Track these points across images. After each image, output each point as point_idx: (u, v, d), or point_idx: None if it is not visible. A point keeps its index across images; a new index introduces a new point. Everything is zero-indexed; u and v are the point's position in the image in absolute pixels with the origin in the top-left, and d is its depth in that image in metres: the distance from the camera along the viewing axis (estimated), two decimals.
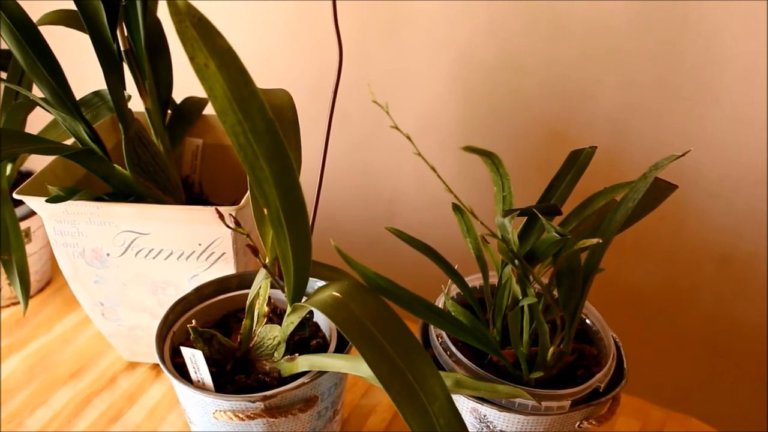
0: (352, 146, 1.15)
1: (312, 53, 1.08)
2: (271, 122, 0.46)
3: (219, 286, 0.69)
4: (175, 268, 0.71)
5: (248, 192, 0.68)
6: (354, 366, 0.57)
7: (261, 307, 0.62)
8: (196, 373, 0.59)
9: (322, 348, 0.65)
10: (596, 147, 0.58)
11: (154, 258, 0.70)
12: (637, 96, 0.97)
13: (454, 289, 0.67)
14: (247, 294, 0.69)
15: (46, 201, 0.64)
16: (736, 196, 0.97)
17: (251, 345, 0.64)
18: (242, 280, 0.70)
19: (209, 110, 0.83)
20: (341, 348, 0.64)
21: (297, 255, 0.52)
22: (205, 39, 0.44)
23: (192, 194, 0.83)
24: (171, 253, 0.70)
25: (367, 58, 1.06)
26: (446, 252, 0.61)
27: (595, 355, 0.63)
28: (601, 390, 0.59)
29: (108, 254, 0.70)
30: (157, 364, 0.82)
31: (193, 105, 0.83)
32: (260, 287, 0.61)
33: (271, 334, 0.62)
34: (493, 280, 0.63)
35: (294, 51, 1.09)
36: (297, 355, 0.60)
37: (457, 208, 0.59)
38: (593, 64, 0.97)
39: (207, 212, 0.66)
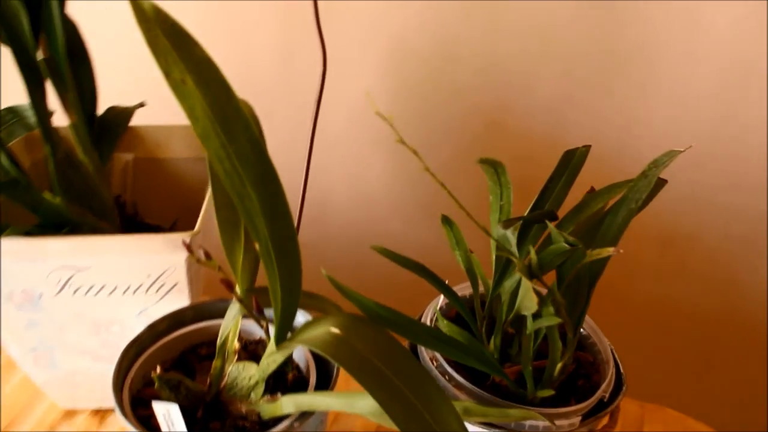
0: (277, 147, 1.08)
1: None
2: (257, 143, 0.40)
3: (173, 321, 0.62)
4: (121, 304, 0.63)
5: (201, 214, 0.61)
6: (349, 404, 0.51)
7: (231, 344, 0.56)
8: (170, 428, 0.52)
9: (300, 382, 0.59)
10: (590, 146, 0.54)
11: (95, 295, 0.62)
12: (574, 87, 0.95)
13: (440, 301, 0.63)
14: (207, 327, 0.63)
15: None
16: (673, 180, 0.97)
17: (222, 386, 0.57)
18: (198, 311, 0.63)
19: (136, 120, 0.74)
20: (322, 380, 0.58)
21: (286, 288, 0.46)
22: (180, 49, 0.37)
23: (125, 216, 0.74)
24: (115, 288, 0.62)
25: (292, 52, 1.00)
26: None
27: (591, 362, 0.60)
28: (605, 400, 0.56)
29: (41, 295, 0.61)
30: (100, 411, 0.74)
31: (118, 116, 0.74)
32: (229, 321, 0.54)
33: (247, 374, 0.55)
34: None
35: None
36: (279, 395, 0.54)
37: (446, 221, 0.54)
38: (530, 54, 0.94)
39: (157, 240, 0.58)
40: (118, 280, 0.61)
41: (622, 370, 0.59)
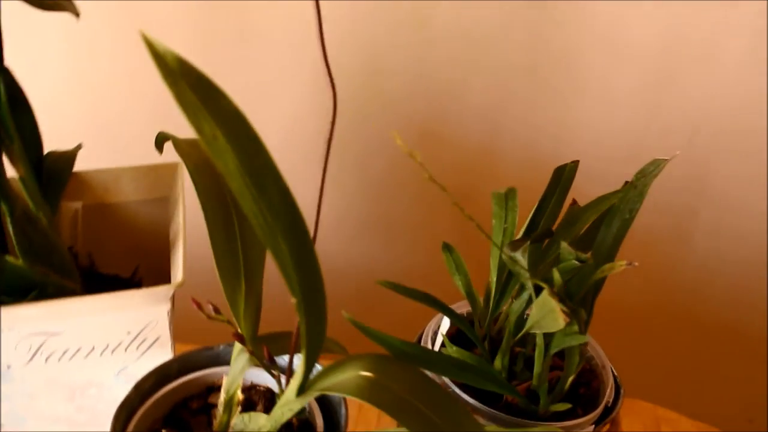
0: None
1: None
2: (286, 194, 0.38)
3: (159, 376, 0.58)
4: (98, 366, 0.59)
5: (181, 263, 0.58)
6: None
7: (235, 395, 0.53)
8: None
9: (306, 426, 0.57)
10: (578, 161, 0.55)
11: (70, 359, 0.58)
12: (505, 95, 0.97)
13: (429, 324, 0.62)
14: (195, 379, 0.60)
15: None
16: (607, 175, 1.01)
17: None
18: (183, 363, 0.59)
19: (78, 165, 0.70)
20: (329, 423, 0.56)
21: (312, 336, 0.44)
22: (208, 103, 0.35)
23: (81, 268, 0.69)
24: (92, 350, 0.58)
25: (216, 75, 0.96)
26: None
27: (587, 369, 0.61)
28: (609, 405, 0.57)
29: (9, 366, 0.56)
30: None
31: (59, 161, 0.69)
32: (237, 373, 0.52)
33: (255, 426, 0.53)
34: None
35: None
36: None
37: (446, 248, 0.54)
38: (459, 63, 0.95)
39: (139, 296, 0.55)
40: (95, 340, 0.57)
41: (616, 374, 0.60)
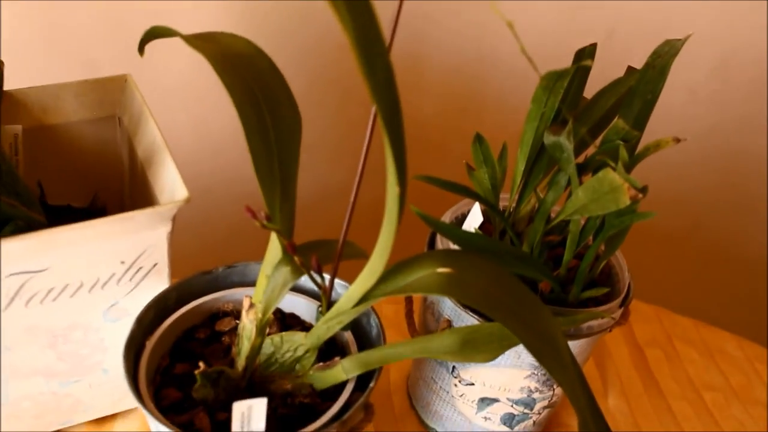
0: None
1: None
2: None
3: (158, 308, 0.52)
4: (86, 304, 0.52)
5: (178, 178, 0.51)
6: (424, 348, 0.48)
7: (266, 315, 0.49)
8: (243, 428, 0.44)
9: (332, 345, 0.53)
10: (596, 43, 0.54)
11: (54, 300, 0.50)
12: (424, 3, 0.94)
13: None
14: (196, 308, 0.54)
15: None
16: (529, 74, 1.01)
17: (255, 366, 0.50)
18: (181, 291, 0.54)
19: (9, 84, 0.60)
20: (360, 340, 0.53)
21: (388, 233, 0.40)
22: None
23: None
24: (80, 286, 0.50)
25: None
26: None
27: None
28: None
29: None
30: None
31: None
32: (279, 288, 0.47)
33: (289, 346, 0.49)
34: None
35: None
36: (338, 359, 0.48)
37: (478, 138, 0.51)
38: None
39: (140, 218, 0.48)
40: (84, 275, 0.50)
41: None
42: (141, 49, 0.48)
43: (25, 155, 0.60)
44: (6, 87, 0.59)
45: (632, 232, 0.52)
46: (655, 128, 1.02)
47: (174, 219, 0.51)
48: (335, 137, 1.04)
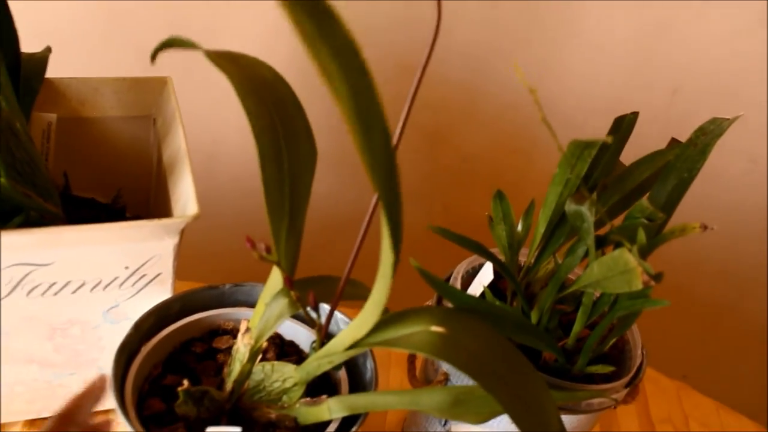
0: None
1: None
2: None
3: (159, 317, 0.52)
4: (87, 303, 0.52)
5: (193, 193, 0.51)
6: (414, 401, 0.46)
7: (259, 342, 0.48)
8: None
9: (326, 379, 0.52)
10: (637, 112, 0.52)
11: (55, 294, 0.50)
12: (496, 31, 0.92)
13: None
14: (196, 321, 0.54)
15: None
16: (583, 127, 0.99)
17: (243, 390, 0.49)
18: (184, 303, 0.53)
19: (51, 71, 0.61)
20: (354, 379, 0.52)
21: (382, 286, 0.39)
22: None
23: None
24: (82, 285, 0.51)
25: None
26: None
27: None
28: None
29: None
30: (33, 420, 0.61)
31: (29, 65, 0.59)
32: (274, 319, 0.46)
33: (278, 376, 0.48)
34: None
35: None
36: (325, 397, 0.47)
37: (498, 195, 0.50)
38: None
39: (148, 228, 0.48)
40: (87, 275, 0.50)
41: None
42: (153, 58, 0.48)
43: (57, 144, 0.61)
44: (51, 75, 0.60)
45: (670, 296, 0.50)
46: (711, 194, 0.99)
47: (182, 232, 0.50)
48: (349, 167, 1.03)
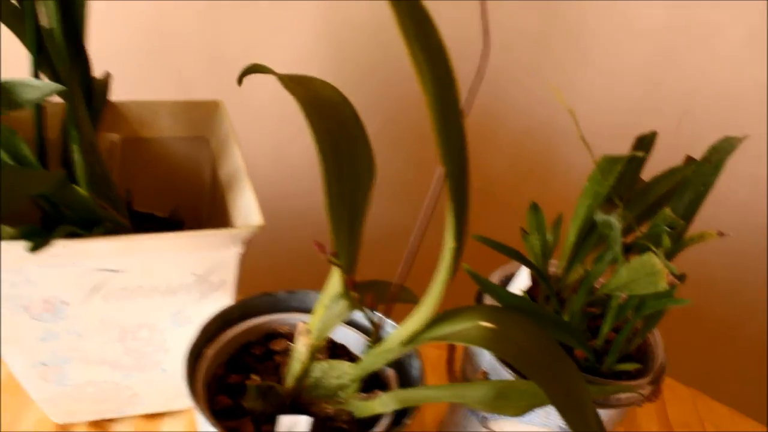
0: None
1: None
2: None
3: (222, 321, 0.57)
4: (156, 307, 0.57)
5: (256, 205, 0.56)
6: (460, 395, 0.51)
7: (319, 342, 0.52)
8: None
9: (375, 379, 0.57)
10: (656, 132, 0.57)
11: (129, 299, 0.55)
12: (509, 57, 0.98)
13: None
14: (255, 326, 0.58)
15: (31, 250, 0.46)
16: (594, 150, 1.04)
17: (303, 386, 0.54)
18: (244, 309, 0.58)
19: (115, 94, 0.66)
20: (403, 376, 0.56)
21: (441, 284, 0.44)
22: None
23: None
24: (153, 290, 0.55)
25: (218, 29, 0.92)
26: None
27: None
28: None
29: (65, 302, 0.53)
30: (99, 421, 0.66)
31: (97, 88, 0.65)
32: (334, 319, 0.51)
33: (335, 373, 0.53)
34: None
35: None
36: (379, 392, 0.52)
37: (534, 207, 0.55)
38: (462, 23, 0.95)
39: (216, 236, 0.53)
40: (158, 280, 0.55)
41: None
42: (240, 81, 0.53)
43: (120, 163, 0.66)
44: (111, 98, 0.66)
45: (684, 311, 0.54)
46: (715, 215, 1.03)
47: (247, 242, 0.55)
48: (403, 180, 1.08)
